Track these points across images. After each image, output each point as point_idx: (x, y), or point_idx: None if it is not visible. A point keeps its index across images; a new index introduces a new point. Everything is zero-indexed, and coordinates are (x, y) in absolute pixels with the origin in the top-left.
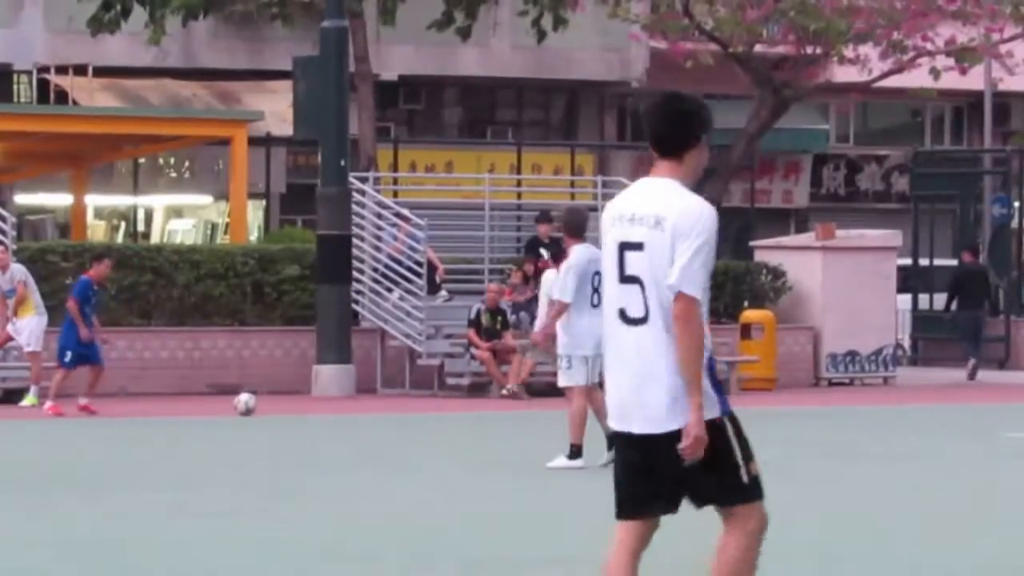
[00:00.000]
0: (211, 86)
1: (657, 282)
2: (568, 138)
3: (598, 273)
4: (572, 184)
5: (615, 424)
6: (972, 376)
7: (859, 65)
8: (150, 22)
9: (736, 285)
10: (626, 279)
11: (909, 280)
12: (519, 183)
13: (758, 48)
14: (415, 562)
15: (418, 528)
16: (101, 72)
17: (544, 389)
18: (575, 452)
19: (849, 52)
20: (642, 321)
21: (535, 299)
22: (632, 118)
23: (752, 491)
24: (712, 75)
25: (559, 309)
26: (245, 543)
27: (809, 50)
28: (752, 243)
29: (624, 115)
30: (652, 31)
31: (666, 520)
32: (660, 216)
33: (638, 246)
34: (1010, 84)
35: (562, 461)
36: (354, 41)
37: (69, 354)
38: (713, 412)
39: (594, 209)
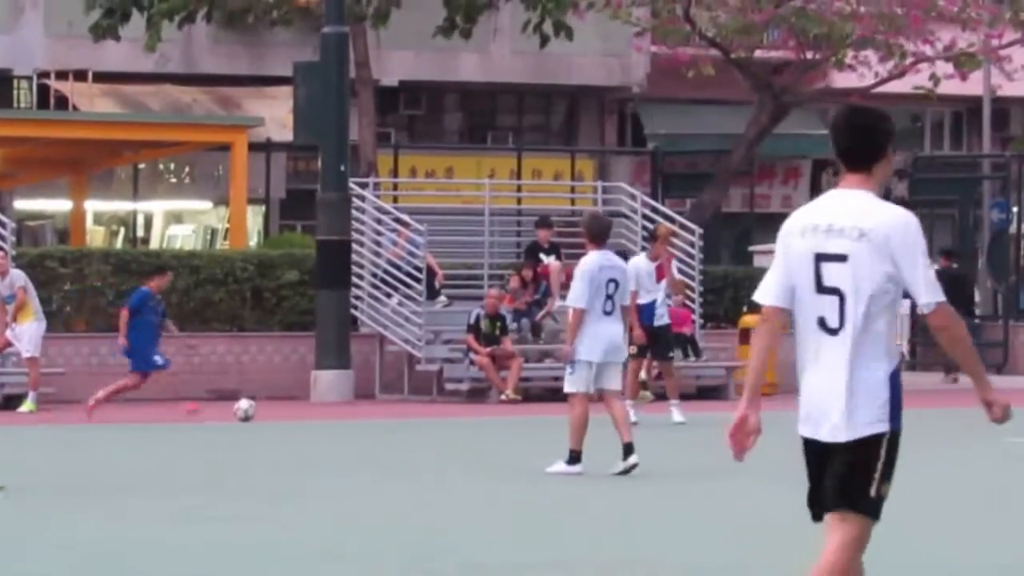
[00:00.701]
0: (211, 92)
1: (859, 293)
2: (568, 143)
3: (612, 280)
4: (572, 190)
5: (805, 429)
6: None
7: (859, 70)
8: (148, 28)
9: (736, 290)
10: (824, 290)
11: None
12: (519, 188)
13: (758, 53)
14: (415, 565)
15: (418, 532)
16: (101, 78)
17: (542, 394)
18: (574, 458)
19: (850, 58)
20: (837, 331)
21: (535, 303)
22: (633, 123)
23: (871, 506)
24: (712, 80)
25: (576, 316)
26: (245, 548)
27: (809, 55)
28: (751, 248)
29: (624, 120)
30: (653, 37)
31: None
32: (864, 228)
33: (840, 258)
34: (1009, 89)
35: (561, 466)
36: (354, 47)
37: (157, 358)
38: (881, 426)
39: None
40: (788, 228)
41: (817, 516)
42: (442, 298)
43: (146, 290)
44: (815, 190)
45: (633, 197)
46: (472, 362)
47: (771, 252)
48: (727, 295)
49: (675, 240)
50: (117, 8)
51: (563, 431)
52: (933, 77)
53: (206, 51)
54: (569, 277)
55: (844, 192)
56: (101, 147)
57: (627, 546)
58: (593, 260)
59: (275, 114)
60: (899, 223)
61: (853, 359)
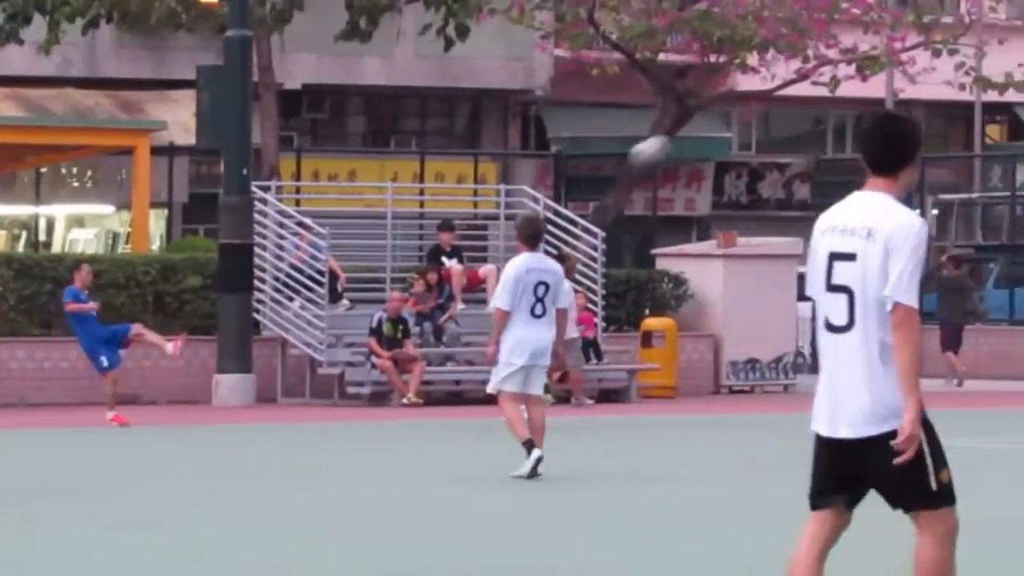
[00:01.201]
0: (114, 96)
1: (865, 291)
2: (472, 147)
3: (543, 283)
4: (475, 193)
5: (821, 427)
6: None
7: (761, 73)
8: (49, 31)
9: (638, 293)
10: (833, 288)
11: None
12: (422, 192)
13: (661, 57)
14: (319, 572)
15: (320, 537)
16: (3, 81)
17: (443, 398)
18: (528, 447)
19: (753, 60)
20: (845, 329)
21: (439, 308)
22: (536, 127)
23: (942, 498)
24: (615, 84)
25: (497, 318)
26: (150, 552)
27: (712, 59)
28: (654, 251)
29: (528, 124)
30: (557, 40)
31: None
32: (873, 228)
33: (850, 256)
34: (912, 92)
35: (522, 468)
36: (258, 50)
37: (103, 358)
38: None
39: (496, 217)
40: (815, 229)
41: (817, 505)
42: (344, 301)
43: (73, 288)
44: (718, 192)
45: (536, 200)
46: (374, 366)
47: (674, 255)
48: (629, 298)
49: (578, 244)
50: (20, 12)
51: (465, 434)
52: (834, 79)
53: (109, 55)
54: (471, 280)
55: (864, 194)
56: (3, 151)
57: (536, 550)
58: (520, 262)
59: (178, 118)
60: (904, 225)
61: (864, 356)
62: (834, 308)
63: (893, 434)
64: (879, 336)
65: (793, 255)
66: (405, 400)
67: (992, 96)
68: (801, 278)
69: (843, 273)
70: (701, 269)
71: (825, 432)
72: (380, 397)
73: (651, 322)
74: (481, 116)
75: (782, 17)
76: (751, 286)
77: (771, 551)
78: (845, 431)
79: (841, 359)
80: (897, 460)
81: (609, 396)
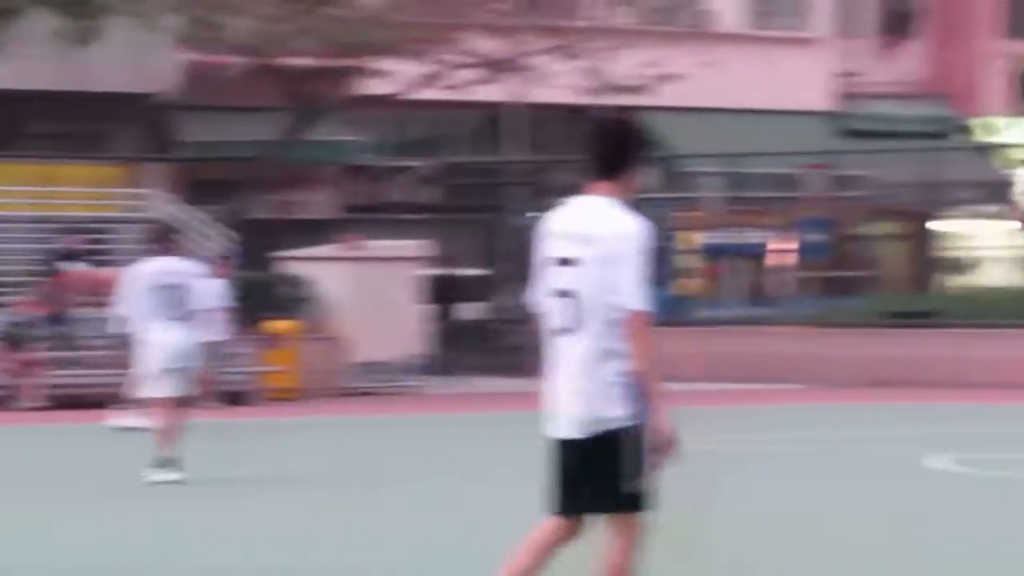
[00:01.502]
0: None
1: (589, 296)
2: (100, 150)
3: (176, 286)
4: (102, 196)
5: (549, 428)
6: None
7: (390, 77)
8: None
9: (263, 296)
10: (558, 292)
11: (442, 290)
12: (48, 196)
13: (288, 60)
14: None
15: None
16: None
17: (69, 401)
18: (165, 463)
19: (381, 65)
20: (570, 332)
21: (63, 310)
22: (164, 130)
23: (633, 503)
24: (244, 87)
25: (122, 321)
26: None
27: (339, 63)
28: (280, 254)
29: (156, 127)
30: (184, 43)
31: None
32: (595, 233)
33: (572, 261)
34: (541, 96)
35: (159, 474)
36: None
37: None
38: (616, 422)
39: (123, 221)
40: (540, 233)
41: (563, 512)
42: None
43: None
44: (345, 195)
45: (164, 204)
46: None
47: (300, 258)
48: (254, 300)
49: (210, 246)
50: None
51: (89, 439)
52: (462, 84)
53: None
54: (95, 284)
55: (586, 199)
56: None
57: (196, 552)
58: (149, 265)
59: None
60: (624, 231)
61: (585, 359)
62: (558, 312)
63: (604, 437)
64: (600, 340)
65: (421, 258)
66: (30, 403)
67: (624, 100)
68: (433, 280)
69: (566, 278)
70: (328, 272)
71: (553, 433)
72: (4, 400)
73: (275, 325)
74: (109, 119)
75: (409, 23)
76: (378, 288)
77: (442, 553)
78: (567, 432)
79: (565, 362)
80: (655, 463)
81: (232, 398)
